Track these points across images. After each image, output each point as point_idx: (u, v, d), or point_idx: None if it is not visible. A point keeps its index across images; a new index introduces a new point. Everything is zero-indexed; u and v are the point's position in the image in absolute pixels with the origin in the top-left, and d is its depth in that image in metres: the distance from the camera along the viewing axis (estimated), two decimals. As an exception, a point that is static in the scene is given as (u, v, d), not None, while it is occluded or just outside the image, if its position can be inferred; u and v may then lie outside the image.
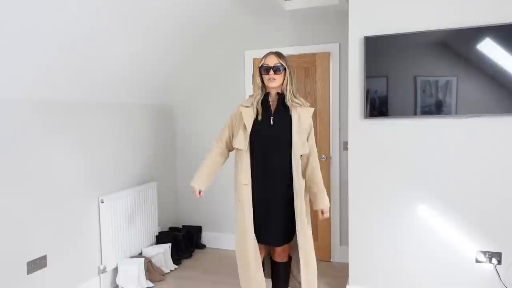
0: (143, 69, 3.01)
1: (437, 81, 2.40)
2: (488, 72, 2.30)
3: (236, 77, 3.71)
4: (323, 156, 3.41)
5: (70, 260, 2.62)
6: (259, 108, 2.15)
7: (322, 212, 2.24)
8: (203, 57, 3.61)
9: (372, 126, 2.60)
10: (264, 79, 2.14)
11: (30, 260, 2.32)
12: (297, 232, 2.15)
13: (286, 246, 2.28)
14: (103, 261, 2.89)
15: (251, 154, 2.16)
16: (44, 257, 2.42)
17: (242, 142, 2.14)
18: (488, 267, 2.42)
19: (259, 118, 2.14)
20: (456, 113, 2.38)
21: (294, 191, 2.14)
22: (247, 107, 2.19)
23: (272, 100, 2.19)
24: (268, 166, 2.15)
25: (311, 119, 2.20)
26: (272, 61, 2.12)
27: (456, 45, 2.35)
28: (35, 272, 2.35)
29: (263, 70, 2.14)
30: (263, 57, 2.17)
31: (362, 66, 2.57)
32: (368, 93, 2.55)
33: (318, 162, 2.24)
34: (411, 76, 2.45)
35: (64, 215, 2.57)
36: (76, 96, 2.62)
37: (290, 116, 2.13)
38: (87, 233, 2.77)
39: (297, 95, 2.20)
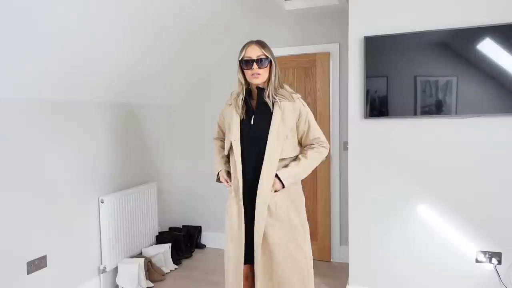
0: (143, 69, 3.01)
1: (437, 81, 2.40)
2: (488, 72, 2.30)
3: (236, 77, 3.70)
4: (323, 156, 3.41)
5: (70, 260, 2.62)
6: (240, 108, 1.87)
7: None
8: (203, 56, 3.61)
9: (372, 126, 2.60)
10: (246, 75, 1.83)
11: (30, 260, 2.32)
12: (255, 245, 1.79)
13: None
14: (103, 261, 2.88)
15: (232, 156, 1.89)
16: (44, 257, 2.42)
17: (227, 146, 1.92)
18: (488, 267, 2.42)
19: (242, 118, 1.88)
20: (456, 113, 2.38)
21: (257, 196, 1.78)
22: (229, 105, 1.95)
23: (254, 96, 1.90)
24: (247, 172, 1.84)
25: (303, 110, 1.88)
26: (255, 53, 1.79)
27: (456, 45, 2.35)
28: (35, 272, 2.35)
29: (244, 64, 1.81)
30: (243, 48, 1.83)
31: (362, 66, 2.57)
32: (368, 93, 2.55)
33: (324, 149, 1.93)
34: (411, 76, 2.45)
35: (64, 215, 2.57)
36: (76, 96, 2.63)
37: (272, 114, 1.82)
38: (87, 233, 2.77)
39: (283, 86, 1.90)
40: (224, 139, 2.04)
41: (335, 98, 3.38)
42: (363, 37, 2.54)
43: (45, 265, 2.42)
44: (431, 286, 2.53)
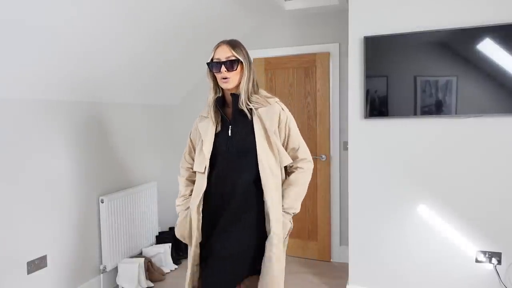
0: (143, 69, 3.01)
1: (437, 81, 2.40)
2: (488, 72, 2.30)
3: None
4: (323, 156, 3.41)
5: (70, 260, 2.62)
6: (213, 117, 1.67)
7: None
8: (203, 56, 3.61)
9: (372, 126, 2.60)
10: (217, 78, 1.66)
11: (30, 260, 2.32)
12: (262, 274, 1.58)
13: None
14: (103, 261, 2.88)
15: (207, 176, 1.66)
16: (44, 257, 2.42)
17: (202, 163, 1.66)
18: (488, 267, 2.42)
19: (218, 129, 1.68)
20: (456, 113, 2.38)
21: (267, 223, 1.59)
22: (205, 117, 1.72)
23: (229, 103, 1.70)
24: (226, 191, 1.63)
25: (283, 114, 1.67)
26: (224, 54, 1.62)
27: (456, 45, 2.35)
28: (35, 272, 2.35)
29: (212, 66, 1.64)
30: (213, 49, 1.67)
31: (362, 66, 2.57)
32: (368, 93, 2.55)
33: (309, 164, 1.72)
34: (411, 76, 2.45)
35: (64, 215, 2.57)
36: (76, 96, 2.63)
37: (252, 123, 1.64)
38: (87, 233, 2.77)
39: (259, 91, 1.70)
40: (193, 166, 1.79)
41: (335, 98, 3.38)
42: (363, 37, 2.54)
43: (45, 265, 2.42)
44: (431, 286, 2.53)
